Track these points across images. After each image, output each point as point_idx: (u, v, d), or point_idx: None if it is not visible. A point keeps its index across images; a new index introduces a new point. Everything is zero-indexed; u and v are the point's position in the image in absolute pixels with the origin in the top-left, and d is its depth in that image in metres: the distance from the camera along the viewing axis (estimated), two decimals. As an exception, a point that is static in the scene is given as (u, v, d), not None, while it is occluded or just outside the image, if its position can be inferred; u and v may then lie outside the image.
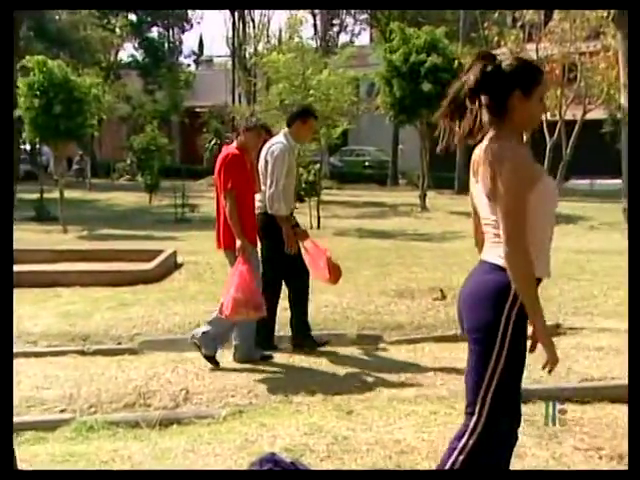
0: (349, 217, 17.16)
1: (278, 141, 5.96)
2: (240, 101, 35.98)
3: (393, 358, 5.75)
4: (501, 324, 2.45)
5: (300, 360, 5.63)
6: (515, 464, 2.91)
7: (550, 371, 2.52)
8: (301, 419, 4.27)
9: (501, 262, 2.49)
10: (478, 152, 2.58)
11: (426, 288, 8.04)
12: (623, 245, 3.70)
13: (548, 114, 12.57)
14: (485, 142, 2.53)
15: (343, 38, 42.18)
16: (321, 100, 17.40)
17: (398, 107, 18.38)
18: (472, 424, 2.56)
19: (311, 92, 17.44)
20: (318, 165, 17.17)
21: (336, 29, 41.12)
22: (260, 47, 34.54)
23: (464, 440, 2.58)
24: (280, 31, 31.24)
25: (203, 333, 5.48)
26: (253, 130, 5.75)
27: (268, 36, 36.02)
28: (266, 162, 5.92)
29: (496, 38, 12.76)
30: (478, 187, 2.58)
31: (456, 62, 16.05)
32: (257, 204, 5.89)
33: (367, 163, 34.07)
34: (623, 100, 3.65)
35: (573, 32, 11.54)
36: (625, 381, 4.68)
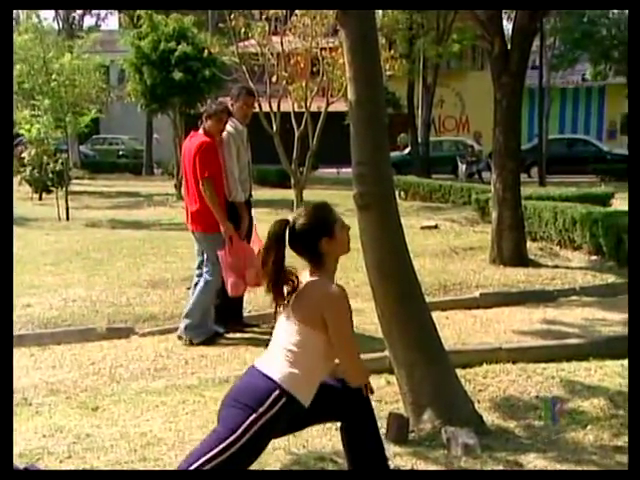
0: (101, 208, 16.47)
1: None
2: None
3: (145, 350, 5.66)
4: (247, 421, 2.67)
5: (42, 358, 5.34)
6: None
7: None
8: (40, 421, 4.05)
9: (276, 376, 2.73)
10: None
11: (180, 278, 8.00)
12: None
13: (295, 106, 13.04)
14: (308, 279, 2.84)
15: (89, 21, 40.22)
16: (65, 85, 16.49)
17: (149, 95, 17.95)
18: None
19: (54, 77, 16.44)
20: (65, 154, 16.28)
21: (80, 11, 38.89)
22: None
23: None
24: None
25: (187, 327, 5.86)
26: (214, 116, 5.77)
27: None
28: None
29: (243, 30, 12.98)
30: (288, 318, 2.82)
31: (206, 51, 16.07)
32: None
33: (121, 152, 33.04)
34: (349, 94, 3.88)
35: (314, 28, 12.07)
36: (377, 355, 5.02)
